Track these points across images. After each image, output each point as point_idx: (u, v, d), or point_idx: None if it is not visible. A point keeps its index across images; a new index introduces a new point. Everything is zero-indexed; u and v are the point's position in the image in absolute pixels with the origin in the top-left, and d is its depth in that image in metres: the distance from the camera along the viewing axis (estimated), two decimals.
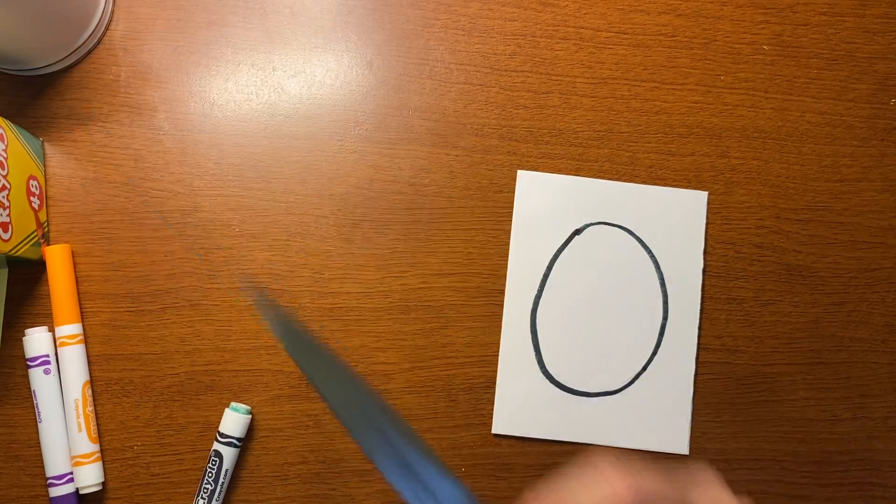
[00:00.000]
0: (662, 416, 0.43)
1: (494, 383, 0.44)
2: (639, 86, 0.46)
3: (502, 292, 0.44)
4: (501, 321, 0.44)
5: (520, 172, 0.42)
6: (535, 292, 0.43)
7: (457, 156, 0.45)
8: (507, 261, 0.44)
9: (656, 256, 0.43)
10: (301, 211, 0.44)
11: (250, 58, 0.45)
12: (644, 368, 0.43)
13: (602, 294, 0.43)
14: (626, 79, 0.46)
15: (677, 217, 0.43)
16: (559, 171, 0.45)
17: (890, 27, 0.47)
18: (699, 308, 0.43)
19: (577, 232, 0.42)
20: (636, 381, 0.43)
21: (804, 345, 0.45)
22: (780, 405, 0.45)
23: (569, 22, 0.46)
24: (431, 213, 0.45)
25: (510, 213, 0.45)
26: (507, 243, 0.45)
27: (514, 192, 0.45)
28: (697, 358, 0.43)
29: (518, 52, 0.46)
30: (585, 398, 0.43)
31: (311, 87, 0.45)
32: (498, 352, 0.44)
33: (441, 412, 0.44)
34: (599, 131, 0.45)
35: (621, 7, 0.46)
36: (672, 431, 0.43)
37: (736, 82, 0.46)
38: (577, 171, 0.45)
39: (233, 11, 0.45)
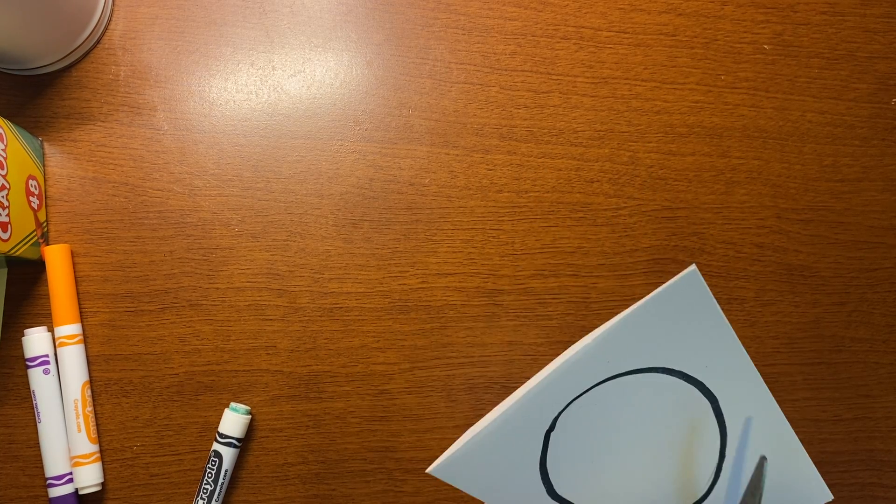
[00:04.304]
0: (783, 481, 0.35)
1: (495, 383, 0.44)
2: (639, 85, 0.46)
3: (502, 292, 0.44)
4: (501, 321, 0.44)
5: (431, 470, 0.33)
6: (543, 490, 0.35)
7: (457, 156, 0.45)
8: (507, 262, 0.44)
9: (659, 365, 0.33)
10: (301, 211, 0.44)
11: (250, 57, 0.45)
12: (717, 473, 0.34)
13: (625, 438, 0.34)
14: (626, 78, 0.46)
15: (670, 316, 0.33)
16: (559, 171, 0.45)
17: (891, 26, 0.46)
18: (763, 386, 0.34)
19: (551, 430, 0.33)
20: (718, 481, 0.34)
21: (805, 345, 0.45)
22: (781, 405, 0.44)
23: (569, 21, 0.46)
24: (431, 213, 0.45)
25: (510, 213, 0.45)
26: (508, 243, 0.45)
27: (514, 191, 0.45)
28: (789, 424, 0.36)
29: (518, 52, 0.45)
30: None
31: (310, 87, 0.45)
32: (497, 352, 0.44)
33: (441, 412, 0.44)
34: (600, 131, 0.45)
35: (622, 6, 0.46)
36: (806, 486, 0.35)
37: (737, 82, 0.46)
38: (577, 171, 0.45)
39: (232, 11, 0.45)
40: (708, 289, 0.33)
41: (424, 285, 0.44)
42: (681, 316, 0.34)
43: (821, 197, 0.46)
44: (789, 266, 0.45)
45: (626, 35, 0.46)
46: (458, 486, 0.33)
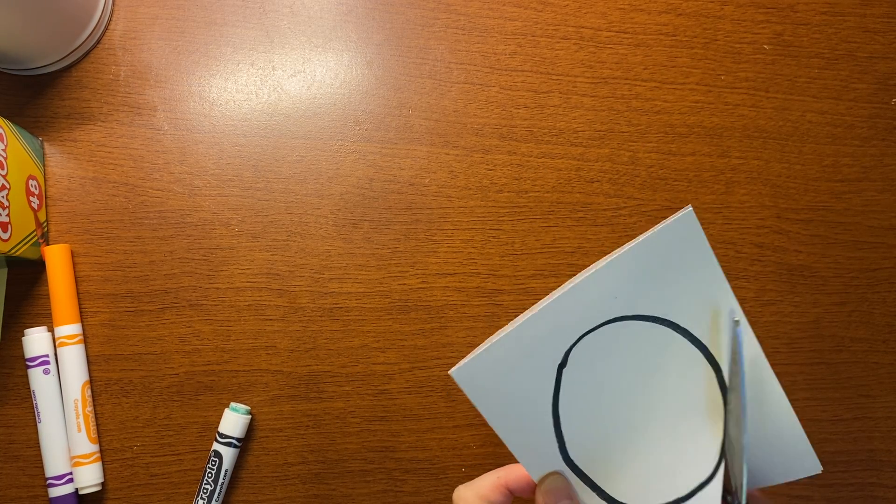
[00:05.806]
0: (773, 446, 0.35)
1: None
2: (639, 85, 0.46)
3: (502, 292, 0.44)
4: (501, 322, 0.44)
5: (452, 373, 0.32)
6: (555, 443, 0.33)
7: (457, 156, 0.45)
8: (507, 262, 0.44)
9: (665, 317, 0.32)
10: (301, 211, 0.44)
11: (250, 57, 0.45)
12: (724, 435, 0.34)
13: (636, 397, 0.33)
14: (626, 78, 0.46)
15: (669, 259, 0.32)
16: (559, 171, 0.45)
17: (891, 27, 0.46)
18: (750, 333, 0.33)
19: (563, 365, 0.32)
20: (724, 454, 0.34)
21: (805, 345, 0.45)
22: None
23: (569, 21, 0.46)
24: (431, 213, 0.45)
25: (510, 213, 0.45)
26: (508, 243, 0.45)
27: (514, 191, 0.45)
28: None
29: (518, 52, 0.45)
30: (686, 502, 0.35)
31: (310, 87, 0.45)
32: None
33: (441, 412, 0.44)
34: (600, 131, 0.45)
35: (622, 6, 0.46)
36: (793, 455, 0.35)
37: (737, 82, 0.46)
38: (577, 171, 0.45)
39: (232, 11, 0.45)
40: (706, 241, 0.32)
41: (424, 285, 0.44)
42: (680, 265, 0.33)
43: (821, 197, 0.46)
44: (789, 266, 0.45)
45: (626, 35, 0.46)
46: (475, 400, 0.32)
